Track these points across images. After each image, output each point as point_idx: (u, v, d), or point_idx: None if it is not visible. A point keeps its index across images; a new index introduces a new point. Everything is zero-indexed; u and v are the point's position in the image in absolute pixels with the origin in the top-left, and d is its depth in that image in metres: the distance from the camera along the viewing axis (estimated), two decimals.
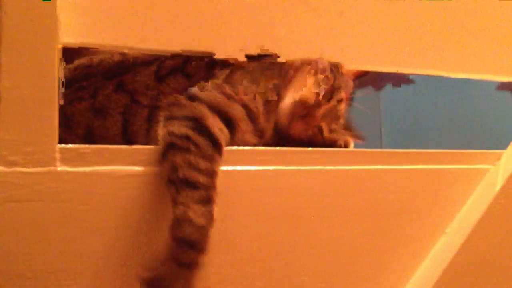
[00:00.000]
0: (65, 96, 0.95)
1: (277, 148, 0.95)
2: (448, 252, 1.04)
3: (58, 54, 0.77)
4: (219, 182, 0.82)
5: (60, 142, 0.77)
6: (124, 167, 0.80)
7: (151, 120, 1.00)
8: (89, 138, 1.02)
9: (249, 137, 0.98)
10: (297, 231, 0.94)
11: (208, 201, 0.80)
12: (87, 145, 0.79)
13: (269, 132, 1.04)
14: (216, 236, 0.79)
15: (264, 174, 0.90)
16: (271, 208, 0.93)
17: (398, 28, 1.31)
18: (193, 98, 0.90)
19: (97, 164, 0.79)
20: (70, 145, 0.77)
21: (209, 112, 0.88)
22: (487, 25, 1.42)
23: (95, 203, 0.79)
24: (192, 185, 0.80)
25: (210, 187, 0.81)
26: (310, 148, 0.99)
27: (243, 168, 0.89)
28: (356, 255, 1.00)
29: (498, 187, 1.06)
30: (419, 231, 1.06)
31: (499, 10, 1.42)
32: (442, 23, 1.36)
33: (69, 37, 0.88)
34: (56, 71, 0.76)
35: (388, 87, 2.43)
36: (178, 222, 0.77)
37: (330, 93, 1.10)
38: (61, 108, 0.92)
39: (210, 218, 0.79)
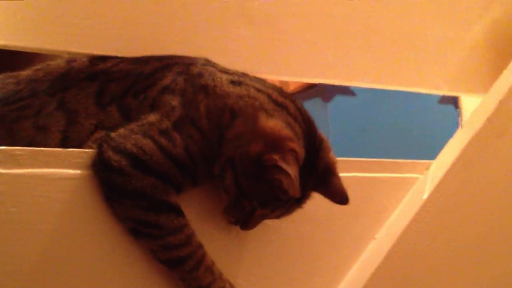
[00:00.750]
0: (11, 112, 0.96)
1: None
2: (377, 256, 1.08)
3: None
4: None
5: None
6: (59, 170, 0.81)
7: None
8: None
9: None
10: (231, 235, 0.96)
11: (200, 261, 0.86)
12: (21, 147, 0.79)
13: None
14: None
15: None
16: None
17: (346, 42, 1.36)
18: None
19: (32, 166, 0.80)
20: (3, 147, 0.78)
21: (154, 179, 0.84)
22: (429, 42, 1.48)
23: (29, 206, 0.79)
24: (179, 262, 0.85)
25: (194, 251, 0.85)
26: None
27: None
28: (289, 259, 1.04)
29: (425, 196, 1.12)
30: (350, 236, 1.11)
31: (441, 28, 1.49)
32: (386, 39, 1.42)
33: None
34: None
35: (336, 98, 2.48)
36: None
37: None
38: (8, 125, 0.94)
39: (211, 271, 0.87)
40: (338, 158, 1.10)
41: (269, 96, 0.94)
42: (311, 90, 2.33)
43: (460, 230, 1.15)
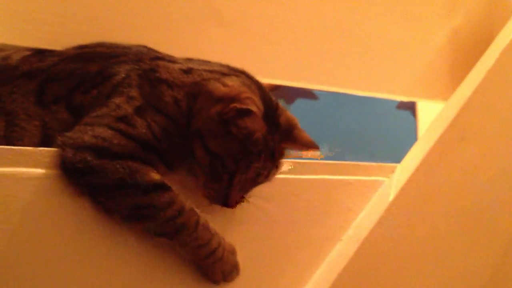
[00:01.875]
0: None
1: None
2: (343, 258, 1.09)
3: None
4: None
5: None
6: (28, 169, 0.79)
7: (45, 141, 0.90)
8: None
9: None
10: None
11: (197, 222, 0.87)
12: None
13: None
14: None
15: None
16: None
17: (309, 46, 1.37)
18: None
19: (0, 165, 0.77)
20: None
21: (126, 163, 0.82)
22: (389, 48, 1.51)
23: None
24: (178, 230, 0.85)
25: (190, 215, 0.86)
26: None
27: None
28: (254, 260, 1.03)
29: (391, 198, 1.14)
30: (316, 238, 1.11)
31: (402, 33, 1.52)
32: (348, 43, 1.44)
33: None
34: None
35: (299, 101, 2.50)
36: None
37: None
38: None
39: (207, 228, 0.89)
40: (305, 160, 1.11)
41: (221, 72, 0.98)
42: (275, 91, 2.34)
43: (424, 231, 1.17)
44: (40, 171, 0.81)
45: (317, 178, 1.12)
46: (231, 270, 0.95)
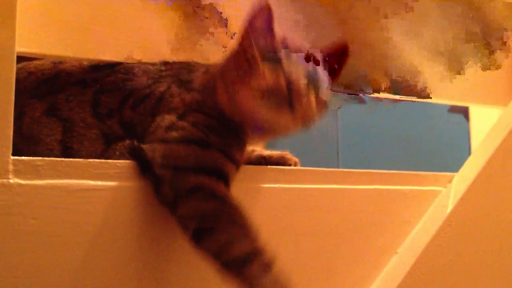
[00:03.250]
0: None
1: None
2: (399, 272, 1.06)
3: (15, 64, 0.76)
4: None
5: None
6: (79, 181, 0.79)
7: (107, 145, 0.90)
8: None
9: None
10: None
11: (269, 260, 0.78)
12: (41, 158, 0.77)
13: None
14: None
15: None
16: None
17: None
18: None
19: (51, 177, 0.77)
20: (24, 157, 0.75)
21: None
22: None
23: (48, 218, 0.77)
24: (244, 261, 0.77)
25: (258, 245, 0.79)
26: (267, 166, 1.00)
27: None
28: (309, 274, 1.01)
29: (449, 209, 1.09)
30: (371, 251, 1.08)
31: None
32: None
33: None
34: (13, 80, 0.75)
35: (346, 106, 2.46)
36: None
37: None
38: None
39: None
40: (360, 170, 1.08)
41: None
42: None
43: (485, 244, 1.12)
44: (91, 182, 0.80)
45: (371, 188, 1.08)
46: None
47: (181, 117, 0.87)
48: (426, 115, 2.60)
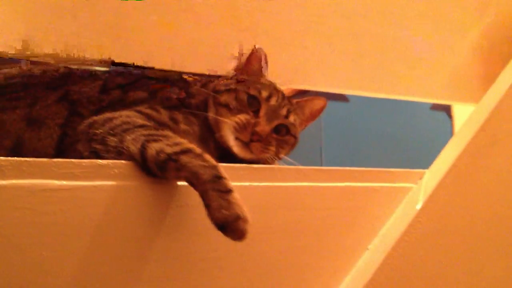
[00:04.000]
0: None
1: None
2: (370, 268, 1.07)
3: None
4: None
5: None
6: (43, 180, 0.79)
7: None
8: (17, 151, 0.98)
9: None
10: (221, 246, 0.94)
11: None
12: (4, 158, 0.77)
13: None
14: None
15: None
16: (198, 225, 0.92)
17: (340, 49, 1.35)
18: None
19: (16, 177, 0.77)
20: None
21: None
22: (422, 50, 1.48)
23: (12, 219, 0.76)
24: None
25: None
26: (239, 165, 1.00)
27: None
28: (280, 270, 1.01)
29: (419, 206, 1.10)
30: (343, 247, 1.09)
31: (434, 36, 1.48)
32: (379, 46, 1.41)
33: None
34: None
35: (330, 104, 2.47)
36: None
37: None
38: None
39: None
40: (331, 168, 1.09)
41: None
42: (304, 95, 2.31)
43: (455, 240, 1.13)
44: (57, 182, 0.80)
45: (343, 185, 1.09)
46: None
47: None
48: (408, 113, 2.61)
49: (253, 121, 1.06)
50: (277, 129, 1.11)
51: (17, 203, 0.77)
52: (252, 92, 1.11)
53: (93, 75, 1.11)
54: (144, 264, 0.87)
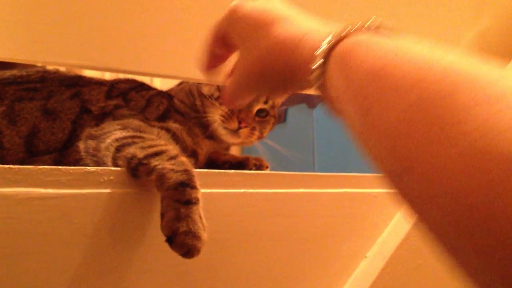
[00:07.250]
0: (16, 92, 1.04)
1: (198, 170, 0.92)
2: (368, 276, 1.04)
3: None
4: None
5: None
6: (28, 189, 0.75)
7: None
8: (31, 139, 1.00)
9: None
10: (218, 255, 0.91)
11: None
12: None
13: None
14: None
15: None
16: None
17: None
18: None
19: (0, 185, 0.74)
20: None
21: None
22: None
23: None
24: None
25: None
26: (233, 171, 0.97)
27: None
28: (277, 279, 0.99)
29: None
30: (340, 255, 1.06)
31: (428, 39, 1.46)
32: None
33: None
34: None
35: (321, 106, 2.45)
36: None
37: None
38: (10, 103, 1.00)
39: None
40: (328, 174, 1.06)
41: None
42: (297, 95, 2.30)
43: None
44: (42, 191, 0.76)
45: (340, 191, 1.06)
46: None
47: None
48: None
49: (236, 109, 1.13)
50: (258, 112, 1.20)
51: (1, 212, 0.74)
52: None
53: (99, 82, 1.18)
54: (136, 274, 0.85)
